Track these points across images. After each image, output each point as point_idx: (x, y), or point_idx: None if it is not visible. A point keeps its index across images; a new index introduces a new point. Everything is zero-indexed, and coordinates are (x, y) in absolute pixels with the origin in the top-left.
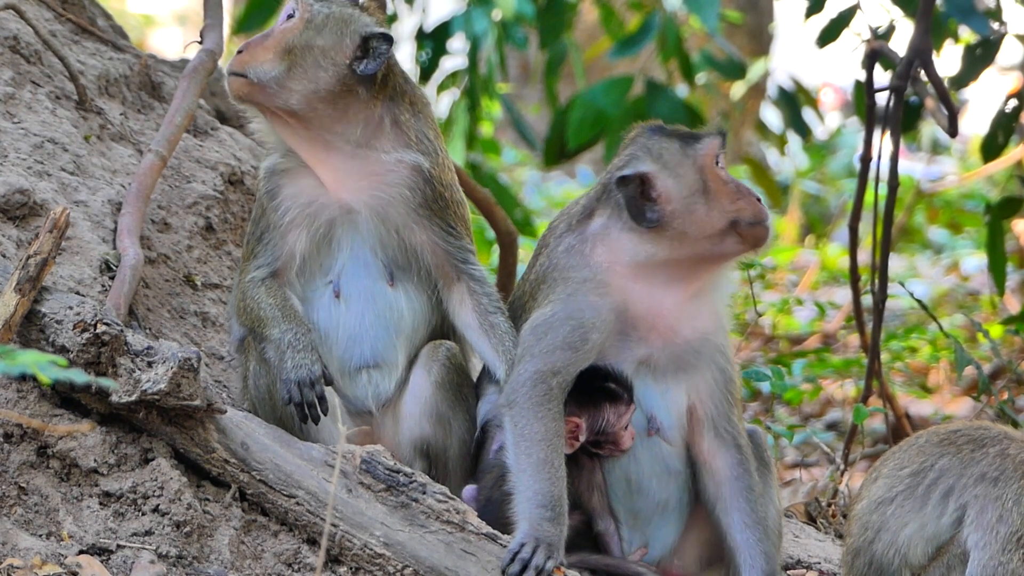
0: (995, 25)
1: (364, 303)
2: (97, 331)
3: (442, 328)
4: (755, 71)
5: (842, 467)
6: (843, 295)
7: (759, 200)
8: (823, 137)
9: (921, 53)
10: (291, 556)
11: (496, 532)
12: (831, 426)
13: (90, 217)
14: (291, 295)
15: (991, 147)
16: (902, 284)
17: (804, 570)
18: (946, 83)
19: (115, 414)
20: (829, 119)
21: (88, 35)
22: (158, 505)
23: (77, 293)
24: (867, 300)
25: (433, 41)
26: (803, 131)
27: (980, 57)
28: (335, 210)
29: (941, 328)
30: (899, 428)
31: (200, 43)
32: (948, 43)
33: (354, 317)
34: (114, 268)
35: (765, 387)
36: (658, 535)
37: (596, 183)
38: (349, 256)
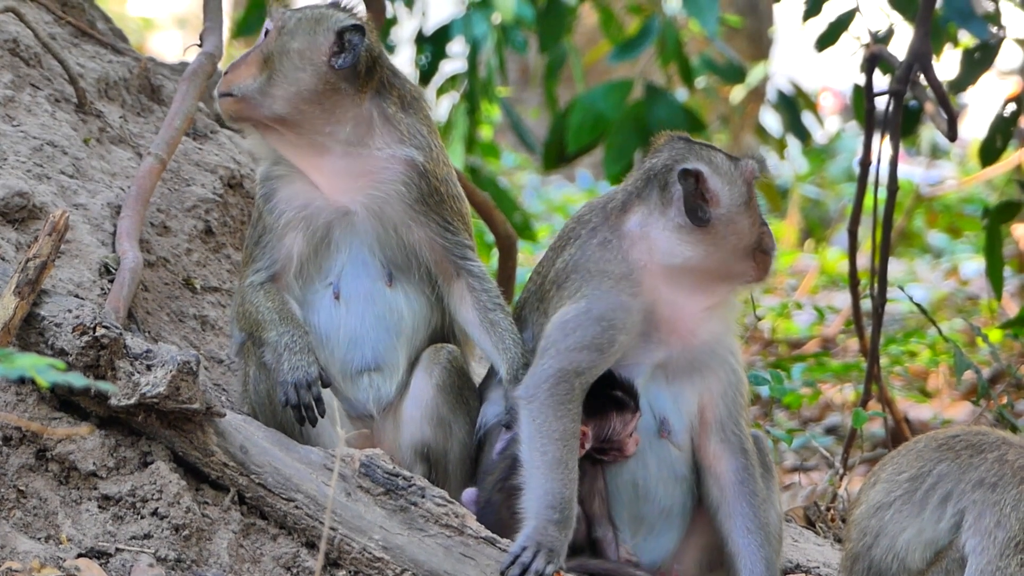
0: (994, 29)
1: (364, 304)
2: (96, 334)
3: (443, 329)
4: (754, 75)
5: (841, 471)
6: (842, 299)
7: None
8: (822, 141)
9: (920, 57)
10: (290, 560)
11: (495, 536)
12: (830, 430)
13: (89, 220)
14: (289, 299)
15: (990, 151)
16: (901, 288)
17: (803, 574)
18: (945, 87)
19: (114, 417)
20: (828, 123)
21: (88, 38)
22: (157, 508)
23: (76, 296)
24: (866, 304)
25: (433, 44)
26: (802, 135)
27: (979, 61)
28: (331, 212)
29: (940, 332)
30: (898, 432)
31: (200, 46)
32: (947, 47)
33: (355, 319)
34: (113, 271)
35: (764, 391)
36: (660, 540)
37: (635, 177)
38: (348, 257)
